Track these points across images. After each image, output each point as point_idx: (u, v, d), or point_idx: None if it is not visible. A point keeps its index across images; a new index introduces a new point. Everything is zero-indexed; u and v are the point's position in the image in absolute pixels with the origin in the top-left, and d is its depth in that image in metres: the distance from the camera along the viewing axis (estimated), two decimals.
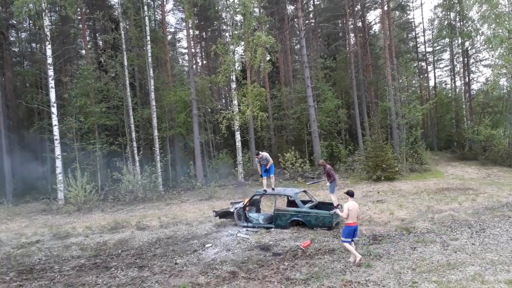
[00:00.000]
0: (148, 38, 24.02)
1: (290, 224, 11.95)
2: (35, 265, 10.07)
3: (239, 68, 25.45)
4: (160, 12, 31.45)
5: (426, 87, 44.41)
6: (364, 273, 7.81)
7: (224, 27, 40.96)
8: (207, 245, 10.76)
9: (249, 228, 12.21)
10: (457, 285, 6.91)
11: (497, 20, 22.14)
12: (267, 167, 13.08)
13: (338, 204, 11.31)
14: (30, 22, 31.45)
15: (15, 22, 31.50)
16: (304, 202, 12.59)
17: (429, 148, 29.97)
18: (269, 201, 16.25)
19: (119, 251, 10.95)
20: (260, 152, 13.32)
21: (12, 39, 33.48)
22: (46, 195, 23.31)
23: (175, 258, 9.69)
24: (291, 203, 13.01)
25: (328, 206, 12.72)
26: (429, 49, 42.07)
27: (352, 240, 8.77)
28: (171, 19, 42.33)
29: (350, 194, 8.80)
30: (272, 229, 11.89)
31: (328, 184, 13.08)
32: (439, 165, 27.08)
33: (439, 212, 12.91)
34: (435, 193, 16.49)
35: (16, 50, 34.36)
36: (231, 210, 12.96)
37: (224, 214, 13.08)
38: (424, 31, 40.96)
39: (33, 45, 35.44)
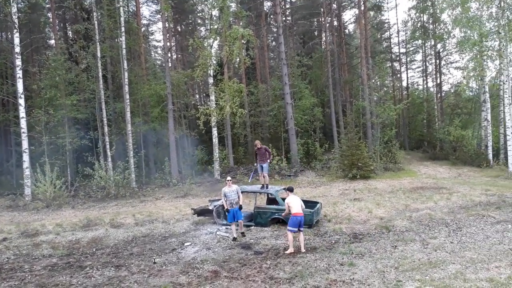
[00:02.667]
0: (123, 29, 23.25)
1: (270, 222, 11.83)
2: (3, 265, 9.51)
3: (215, 63, 25.05)
4: (135, 3, 30.61)
5: (399, 87, 45.37)
6: (348, 272, 7.76)
7: (199, 21, 40.42)
8: (186, 244, 10.48)
9: (228, 226, 11.98)
10: (440, 283, 6.94)
11: (469, 24, 22.72)
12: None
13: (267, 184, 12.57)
14: None
15: None
16: (284, 200, 12.47)
17: (401, 147, 30.60)
18: (247, 198, 16.09)
19: (94, 250, 10.50)
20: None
21: None
22: (11, 190, 22.20)
23: (154, 257, 9.37)
24: (271, 200, 12.88)
25: (309, 204, 12.65)
26: (402, 50, 43.00)
27: (300, 230, 9.46)
28: (145, 11, 41.21)
29: (290, 190, 10.05)
30: (252, 227, 11.73)
31: (265, 165, 13.06)
32: (412, 164, 27.68)
33: (416, 210, 13.10)
34: (411, 192, 16.77)
35: None
36: (210, 207, 12.71)
37: (203, 212, 12.82)
38: (398, 32, 41.80)
39: None
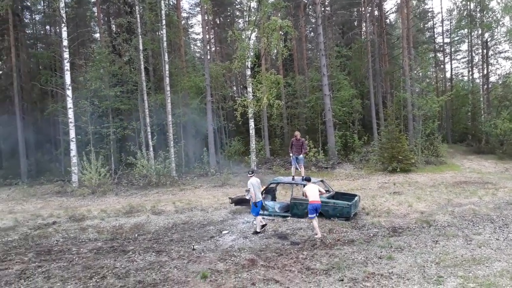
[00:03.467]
0: (164, 22, 23.77)
1: (307, 214, 11.82)
2: (53, 247, 10.09)
3: (253, 55, 25.11)
4: None
5: (442, 78, 43.62)
6: (386, 265, 7.65)
7: (238, 13, 40.56)
8: (223, 232, 10.69)
9: (265, 216, 12.09)
10: (484, 280, 6.71)
11: None
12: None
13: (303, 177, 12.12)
14: (44, 4, 31.38)
15: (29, 4, 31.46)
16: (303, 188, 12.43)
17: (444, 140, 29.54)
18: (283, 189, 16.16)
19: (136, 235, 10.93)
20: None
21: (26, 21, 33.43)
22: (60, 177, 23.44)
23: (193, 244, 9.63)
24: None
25: (346, 196, 12.57)
26: (446, 40, 41.19)
27: (317, 215, 10.12)
28: (185, 4, 41.93)
29: (308, 179, 10.82)
30: (289, 218, 11.78)
31: (300, 156, 12.94)
32: (455, 158, 26.67)
33: (459, 205, 12.67)
34: (453, 186, 16.22)
35: (29, 32, 34.31)
36: (247, 197, 12.86)
37: (240, 201, 13.00)
38: (442, 21, 40.04)
39: (47, 27, 35.39)
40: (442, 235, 9.60)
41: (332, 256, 8.34)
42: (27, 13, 33.25)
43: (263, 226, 10.65)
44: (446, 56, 42.31)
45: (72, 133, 20.94)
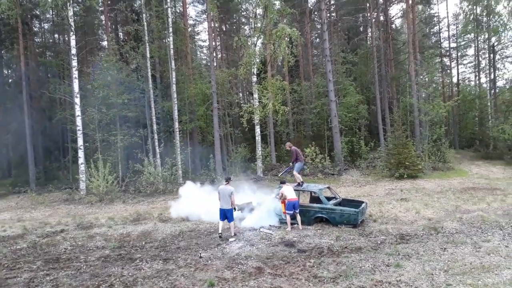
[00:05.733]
0: (171, 29, 23.99)
1: (313, 221, 11.81)
2: (61, 255, 10.18)
3: (259, 61, 25.21)
4: (182, 4, 31.41)
5: (449, 83, 43.41)
6: (394, 273, 7.62)
7: (244, 20, 40.79)
8: (230, 239, 10.70)
9: (271, 224, 12.11)
10: None
11: None
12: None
13: (302, 182, 13.00)
14: (53, 13, 31.79)
15: (38, 13, 31.90)
16: (328, 199, 12.42)
17: (451, 146, 29.36)
18: None
19: (143, 243, 10.99)
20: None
21: (35, 29, 33.89)
22: (68, 184, 23.59)
23: (200, 252, 9.66)
24: (315, 199, 12.86)
25: (353, 203, 12.54)
26: (453, 45, 41.03)
27: (296, 212, 11.44)
28: (191, 11, 42.22)
29: (283, 182, 11.96)
30: (295, 225, 11.76)
31: (296, 164, 13.23)
32: (462, 164, 26.48)
33: (467, 212, 12.59)
34: (461, 193, 16.10)
35: (38, 41, 34.77)
36: (254, 205, 12.89)
37: (246, 208, 13.00)
38: (448, 26, 39.93)
39: (56, 35, 35.85)
40: (451, 242, 9.54)
41: (339, 264, 8.32)
42: (36, 22, 33.73)
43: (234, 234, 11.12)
44: (453, 61, 42.15)
45: (80, 141, 21.12)
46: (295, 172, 13.06)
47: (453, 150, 28.79)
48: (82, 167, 20.88)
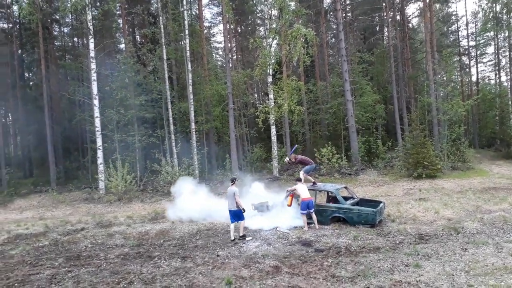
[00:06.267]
0: (187, 32, 24.22)
1: (330, 221, 11.76)
2: (82, 252, 10.37)
3: (274, 62, 25.22)
4: (197, 7, 31.67)
5: (468, 82, 42.66)
6: (413, 273, 7.53)
7: (259, 21, 40.84)
8: (247, 238, 10.73)
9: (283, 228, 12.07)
10: None
11: None
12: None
13: (314, 182, 13.05)
14: (72, 17, 32.44)
15: (58, 17, 32.60)
16: (345, 199, 12.35)
17: (471, 145, 28.82)
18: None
19: (161, 241, 11.12)
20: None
21: (55, 33, 34.64)
22: (87, 184, 24.04)
23: (217, 250, 9.72)
24: (332, 199, 12.80)
25: (371, 203, 12.43)
26: (472, 43, 40.31)
27: (311, 211, 11.44)
28: (207, 13, 42.54)
29: (299, 180, 11.93)
30: (312, 225, 11.73)
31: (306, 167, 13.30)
32: (482, 163, 25.98)
33: (488, 212, 12.35)
34: (482, 192, 15.80)
35: (58, 45, 35.53)
36: (269, 204, 12.90)
37: (262, 208, 13.01)
38: (467, 24, 39.26)
39: (75, 39, 36.56)
40: (471, 242, 9.37)
41: (357, 264, 8.26)
42: (56, 26, 34.50)
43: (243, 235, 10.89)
44: (472, 60, 41.43)
45: (99, 141, 21.49)
46: (302, 172, 12.98)
47: (472, 149, 28.26)
48: (101, 167, 21.24)
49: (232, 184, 11.03)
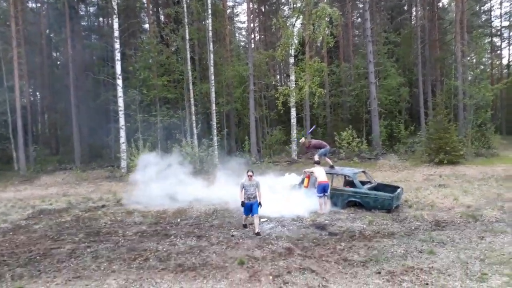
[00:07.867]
0: (210, 11, 24.08)
1: (346, 205, 11.74)
2: (101, 228, 10.73)
3: (297, 42, 24.84)
4: None
5: (498, 65, 41.02)
6: (426, 260, 7.48)
7: (283, 0, 40.14)
8: (262, 220, 10.81)
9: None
10: None
11: None
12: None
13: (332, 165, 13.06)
14: None
15: None
16: (363, 183, 12.27)
17: (497, 131, 27.88)
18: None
19: (178, 220, 11.36)
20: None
21: (81, 13, 35.06)
22: (110, 163, 24.65)
23: (232, 230, 9.89)
24: (349, 183, 12.74)
25: (389, 188, 12.32)
26: (505, 23, 38.55)
27: (325, 195, 11.39)
28: None
29: (317, 163, 11.98)
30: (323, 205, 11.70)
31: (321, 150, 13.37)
32: (508, 150, 25.14)
33: (509, 200, 12.05)
34: (505, 180, 15.38)
35: (84, 24, 35.99)
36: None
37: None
38: (501, 3, 37.48)
39: (100, 19, 36.94)
40: (489, 230, 9.20)
41: (370, 248, 8.26)
42: (82, 5, 34.85)
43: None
44: (504, 41, 39.74)
45: (121, 121, 21.93)
46: (317, 155, 12.91)
47: (499, 135, 27.34)
48: (123, 146, 21.72)
49: (250, 176, 9.87)
